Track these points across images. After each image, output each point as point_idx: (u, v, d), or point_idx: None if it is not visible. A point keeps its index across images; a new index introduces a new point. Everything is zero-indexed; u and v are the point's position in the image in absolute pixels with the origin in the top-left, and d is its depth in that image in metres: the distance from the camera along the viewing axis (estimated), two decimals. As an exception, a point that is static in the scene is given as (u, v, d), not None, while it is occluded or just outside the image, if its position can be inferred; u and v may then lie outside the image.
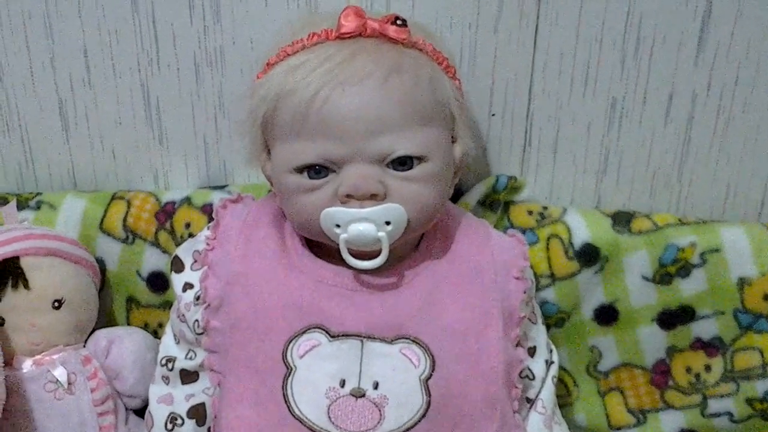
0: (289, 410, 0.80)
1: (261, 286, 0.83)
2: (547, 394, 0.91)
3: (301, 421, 0.79)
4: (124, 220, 1.03)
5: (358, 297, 0.82)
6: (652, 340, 0.99)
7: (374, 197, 0.78)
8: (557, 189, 1.03)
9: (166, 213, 1.02)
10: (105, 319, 1.07)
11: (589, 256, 0.97)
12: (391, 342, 0.81)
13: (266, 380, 0.81)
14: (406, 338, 0.81)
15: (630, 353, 1.00)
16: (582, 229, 0.97)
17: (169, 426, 0.87)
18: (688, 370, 0.99)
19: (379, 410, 0.79)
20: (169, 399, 0.89)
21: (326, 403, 0.79)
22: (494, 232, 0.90)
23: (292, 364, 0.80)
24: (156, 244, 1.03)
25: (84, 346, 0.99)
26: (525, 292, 0.86)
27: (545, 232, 0.98)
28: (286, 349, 0.81)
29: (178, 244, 0.96)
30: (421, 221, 0.81)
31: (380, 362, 0.80)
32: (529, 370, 0.89)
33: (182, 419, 0.87)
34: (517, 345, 0.86)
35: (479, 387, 0.82)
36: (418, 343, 0.81)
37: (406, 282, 0.84)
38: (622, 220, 0.97)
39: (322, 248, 0.84)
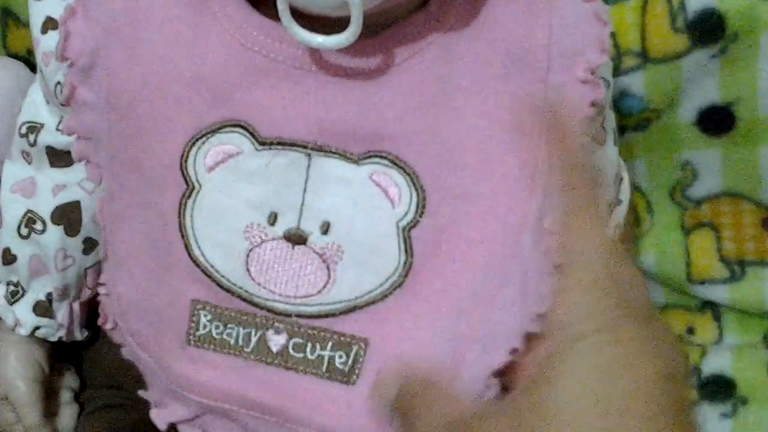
0: (187, 249, 0.60)
1: (155, 44, 0.60)
2: None
3: (203, 270, 0.60)
4: None
5: (311, 81, 0.59)
6: (780, 166, 0.84)
7: None
8: None
9: None
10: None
11: (707, 28, 0.79)
12: (357, 161, 0.60)
13: (158, 197, 0.61)
14: (383, 156, 0.60)
15: (740, 178, 0.86)
16: (704, -17, 0.76)
17: (24, 231, 0.72)
18: (826, 213, 0.85)
19: (328, 267, 0.60)
20: (29, 187, 0.73)
21: (244, 246, 0.60)
22: None
23: (193, 180, 0.60)
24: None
25: None
26: (593, 105, 0.62)
27: (644, -18, 0.79)
28: (187, 153, 0.60)
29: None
30: None
31: (336, 191, 0.60)
32: None
33: (43, 223, 0.71)
34: None
35: (494, 246, 0.61)
36: (402, 167, 0.59)
37: (396, 64, 0.60)
38: (772, -29, 0.77)
39: None
